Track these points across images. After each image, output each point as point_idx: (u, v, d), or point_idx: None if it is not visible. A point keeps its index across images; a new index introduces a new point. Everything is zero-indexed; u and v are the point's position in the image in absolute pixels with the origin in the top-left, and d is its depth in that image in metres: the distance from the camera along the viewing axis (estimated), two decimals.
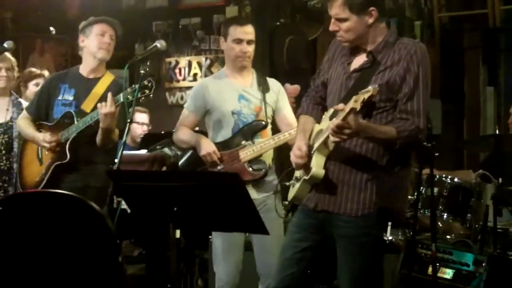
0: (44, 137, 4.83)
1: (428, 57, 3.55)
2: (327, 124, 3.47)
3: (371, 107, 3.40)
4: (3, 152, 5.57)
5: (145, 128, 7.08)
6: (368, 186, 3.53)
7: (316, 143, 3.55)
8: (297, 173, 3.70)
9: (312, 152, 3.58)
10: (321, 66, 3.85)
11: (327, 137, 3.43)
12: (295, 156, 3.61)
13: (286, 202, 5.71)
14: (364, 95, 3.20)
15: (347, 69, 3.63)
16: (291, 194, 3.72)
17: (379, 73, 3.51)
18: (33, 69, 6.55)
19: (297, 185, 3.67)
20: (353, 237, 3.55)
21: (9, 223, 2.95)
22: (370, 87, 3.23)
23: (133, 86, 4.44)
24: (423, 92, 3.49)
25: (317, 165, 3.54)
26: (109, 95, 4.55)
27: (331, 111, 3.54)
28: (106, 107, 4.51)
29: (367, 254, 3.57)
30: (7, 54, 5.64)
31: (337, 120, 3.30)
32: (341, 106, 3.36)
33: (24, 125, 5.05)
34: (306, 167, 3.60)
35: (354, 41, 3.57)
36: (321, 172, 3.53)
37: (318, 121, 3.75)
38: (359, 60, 3.62)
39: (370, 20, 3.51)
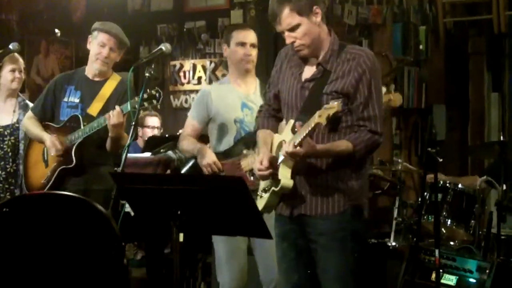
0: (53, 143, 4.82)
1: (377, 62, 3.70)
2: (289, 137, 3.61)
3: (337, 121, 3.57)
4: (9, 154, 5.58)
5: (156, 131, 7.09)
6: (340, 186, 3.66)
7: (281, 157, 3.64)
8: (264, 184, 3.80)
9: (277, 164, 3.67)
10: (269, 79, 3.97)
11: None
12: (257, 170, 3.72)
13: None
14: (328, 111, 3.35)
15: (299, 79, 3.75)
16: (261, 204, 3.76)
17: (331, 82, 3.64)
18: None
19: (266, 195, 3.75)
20: (332, 232, 3.67)
21: (15, 225, 2.94)
22: (335, 103, 3.36)
23: (140, 94, 4.44)
24: (377, 98, 3.65)
25: (285, 176, 3.63)
26: (117, 107, 4.58)
27: (291, 122, 3.67)
28: (114, 118, 4.53)
29: (347, 249, 3.69)
30: (18, 55, 5.68)
31: (290, 147, 3.46)
32: (298, 125, 3.52)
33: (30, 124, 5.06)
34: (274, 177, 3.69)
35: (311, 45, 3.67)
36: (290, 182, 3.63)
37: (275, 131, 3.91)
38: (309, 70, 3.74)
39: (318, 19, 3.65)
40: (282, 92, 3.83)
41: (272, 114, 3.97)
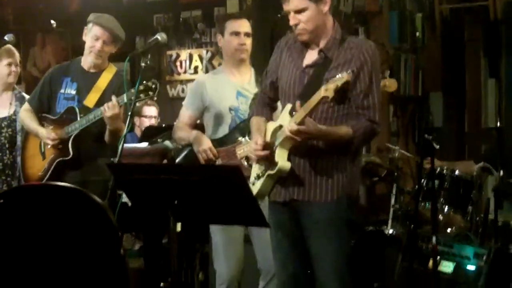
0: (48, 134, 4.83)
1: (378, 54, 3.76)
2: (287, 120, 3.63)
3: (344, 94, 3.59)
4: (7, 146, 5.59)
5: (153, 121, 7.10)
6: (335, 174, 3.69)
7: (279, 138, 3.67)
8: (257, 170, 3.81)
9: (274, 147, 3.69)
10: (267, 68, 4.01)
11: None
12: (254, 150, 3.74)
13: None
14: (336, 82, 3.40)
15: (299, 65, 3.78)
16: (254, 191, 3.76)
17: (332, 69, 3.66)
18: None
19: (260, 181, 3.76)
20: (328, 221, 3.69)
21: (11, 216, 2.95)
22: (344, 74, 3.43)
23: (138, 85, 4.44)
24: (376, 88, 3.70)
25: (282, 158, 3.65)
26: (113, 97, 4.57)
27: (289, 106, 3.69)
28: (110, 110, 4.53)
29: (342, 237, 3.73)
30: (14, 49, 5.69)
31: (294, 125, 3.48)
32: (298, 104, 3.54)
33: (27, 118, 5.06)
34: (268, 162, 3.71)
35: (313, 32, 3.71)
36: (288, 164, 3.65)
37: (269, 120, 3.93)
38: (311, 56, 3.78)
39: (326, 8, 3.70)
40: (280, 79, 3.86)
41: (266, 103, 4.02)
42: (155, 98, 4.58)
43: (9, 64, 5.68)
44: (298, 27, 3.70)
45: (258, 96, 4.09)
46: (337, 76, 3.43)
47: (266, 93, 4.01)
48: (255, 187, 3.79)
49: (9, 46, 5.69)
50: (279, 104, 4.02)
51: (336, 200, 3.69)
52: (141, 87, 4.42)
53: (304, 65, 3.77)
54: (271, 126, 3.82)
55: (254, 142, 3.75)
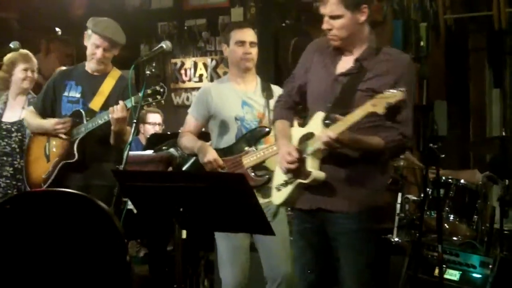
0: (56, 123, 4.84)
1: (413, 68, 3.71)
2: (319, 128, 3.55)
3: (395, 111, 3.46)
4: (17, 150, 5.58)
5: (157, 128, 7.10)
6: (364, 184, 3.61)
7: (310, 147, 3.59)
8: (284, 177, 3.72)
9: (303, 155, 3.61)
10: (295, 70, 3.91)
11: None
12: (286, 162, 3.63)
13: None
14: (388, 99, 3.31)
15: (332, 72, 3.68)
16: (280, 198, 3.74)
17: (367, 80, 3.58)
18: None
19: (287, 188, 3.69)
20: (355, 232, 3.61)
21: (17, 222, 2.94)
22: (395, 91, 3.33)
23: (144, 90, 4.45)
24: (410, 102, 3.59)
25: (315, 168, 3.58)
26: (121, 102, 4.58)
27: (321, 114, 3.60)
28: (117, 113, 4.54)
29: (369, 248, 3.67)
30: (31, 55, 5.70)
31: (333, 134, 3.40)
32: (339, 116, 3.45)
33: (30, 117, 5.09)
34: (299, 171, 3.62)
35: (346, 39, 3.62)
36: (322, 175, 3.57)
37: (292, 124, 3.85)
38: (344, 64, 3.68)
39: (362, 18, 3.60)
40: (310, 84, 3.77)
41: (291, 106, 3.90)
42: (163, 102, 4.56)
43: (25, 70, 5.69)
44: (331, 32, 3.60)
45: (282, 98, 3.95)
46: (389, 92, 3.33)
47: (291, 96, 3.89)
48: (282, 193, 3.72)
49: (26, 51, 5.71)
50: None
51: (364, 210, 3.60)
52: (149, 91, 4.43)
53: (337, 72, 3.67)
54: (297, 132, 3.73)
55: (287, 153, 3.62)
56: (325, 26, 3.61)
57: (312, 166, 3.57)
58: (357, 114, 3.38)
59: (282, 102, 3.94)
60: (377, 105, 3.32)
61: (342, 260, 3.66)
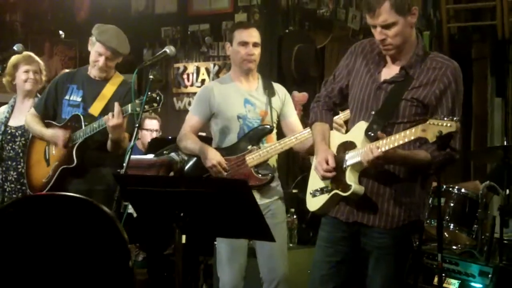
0: (54, 135, 4.84)
1: (461, 75, 3.50)
2: (361, 139, 3.45)
3: (447, 141, 3.24)
4: (21, 155, 5.56)
5: (155, 134, 7.10)
6: (403, 199, 3.52)
7: (350, 160, 3.49)
8: (321, 184, 3.63)
9: (344, 167, 3.52)
10: (336, 71, 3.78)
11: None
12: (323, 170, 3.54)
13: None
14: (441, 128, 3.11)
15: (375, 79, 3.57)
16: (316, 205, 3.66)
17: (413, 89, 3.47)
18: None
19: (323, 197, 3.62)
20: (389, 247, 3.56)
21: (20, 226, 2.94)
22: (451, 122, 3.11)
23: (141, 97, 4.43)
24: (458, 113, 3.44)
25: (354, 181, 3.48)
26: (117, 106, 4.55)
27: (363, 125, 3.50)
28: (114, 119, 4.51)
29: (401, 263, 3.63)
30: (35, 57, 5.69)
31: (378, 152, 3.28)
32: (381, 134, 3.35)
33: (32, 121, 5.07)
34: (337, 180, 3.54)
35: (401, 46, 3.47)
36: (361, 189, 3.48)
37: (331, 127, 3.73)
38: (390, 71, 3.56)
39: (414, 19, 3.46)
40: (352, 88, 3.65)
41: (330, 107, 3.79)
42: (159, 110, 4.55)
43: (27, 71, 5.66)
44: (385, 42, 3.44)
45: (322, 99, 3.82)
46: (443, 121, 3.12)
47: (331, 98, 3.77)
48: (318, 200, 3.65)
49: (28, 53, 5.68)
50: None
51: (402, 226, 3.53)
52: (146, 99, 4.41)
53: (382, 79, 3.55)
54: (337, 138, 3.65)
55: (324, 160, 3.53)
56: (378, 37, 3.44)
57: (351, 179, 3.48)
58: (406, 136, 3.25)
59: (322, 103, 3.81)
60: (427, 130, 3.14)
61: (372, 270, 3.61)
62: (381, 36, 3.43)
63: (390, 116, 3.44)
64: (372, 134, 3.40)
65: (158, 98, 4.43)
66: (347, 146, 3.55)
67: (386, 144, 3.31)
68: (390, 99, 3.49)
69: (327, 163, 3.52)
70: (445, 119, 3.12)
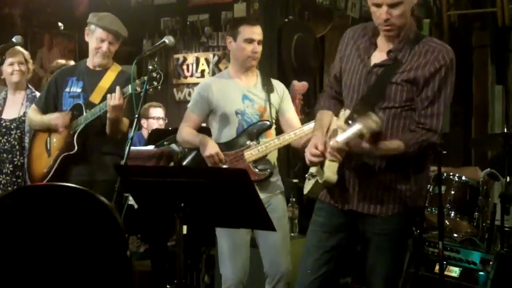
0: (56, 117, 4.85)
1: (454, 62, 3.50)
2: (342, 127, 3.45)
3: (378, 136, 3.35)
4: (17, 147, 5.59)
5: (161, 122, 7.13)
6: (397, 187, 3.52)
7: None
8: (312, 169, 3.64)
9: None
10: (333, 63, 3.80)
11: None
12: (310, 154, 3.53)
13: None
14: (372, 124, 3.22)
15: (367, 63, 3.55)
16: (307, 188, 3.68)
17: (403, 72, 3.45)
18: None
19: (311, 181, 3.63)
20: (388, 234, 3.56)
21: (17, 217, 2.95)
22: (378, 119, 3.23)
23: (142, 78, 4.45)
24: (445, 97, 3.47)
25: (331, 170, 3.48)
26: (118, 88, 4.58)
27: (347, 112, 3.51)
28: (115, 100, 4.55)
29: (400, 250, 3.67)
30: (19, 47, 5.67)
31: (337, 144, 3.35)
32: (344, 125, 3.40)
33: (33, 115, 5.10)
34: (322, 166, 3.54)
35: (401, 28, 3.45)
36: (334, 178, 3.48)
37: (336, 114, 3.70)
38: (380, 56, 3.54)
39: (415, 1, 3.47)
40: (345, 74, 3.64)
41: (333, 96, 3.78)
42: (159, 88, 4.50)
43: (11, 64, 5.68)
44: (389, 21, 3.39)
45: (327, 88, 3.84)
46: (377, 117, 3.25)
47: (332, 87, 3.78)
48: (308, 183, 3.65)
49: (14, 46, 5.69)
50: None
51: (398, 214, 3.54)
52: (145, 78, 4.41)
53: (372, 63, 3.53)
54: (333, 125, 3.63)
55: (313, 146, 3.51)
56: (384, 16, 3.38)
57: (328, 167, 3.48)
58: (352, 131, 3.31)
59: (327, 92, 3.82)
60: (366, 126, 3.25)
61: (371, 259, 3.61)
62: (386, 16, 3.39)
63: (377, 100, 3.43)
64: (351, 121, 3.39)
65: (158, 76, 4.43)
66: (334, 134, 3.55)
67: (343, 135, 3.35)
68: (378, 83, 3.48)
69: (316, 148, 3.52)
70: (376, 116, 3.23)
